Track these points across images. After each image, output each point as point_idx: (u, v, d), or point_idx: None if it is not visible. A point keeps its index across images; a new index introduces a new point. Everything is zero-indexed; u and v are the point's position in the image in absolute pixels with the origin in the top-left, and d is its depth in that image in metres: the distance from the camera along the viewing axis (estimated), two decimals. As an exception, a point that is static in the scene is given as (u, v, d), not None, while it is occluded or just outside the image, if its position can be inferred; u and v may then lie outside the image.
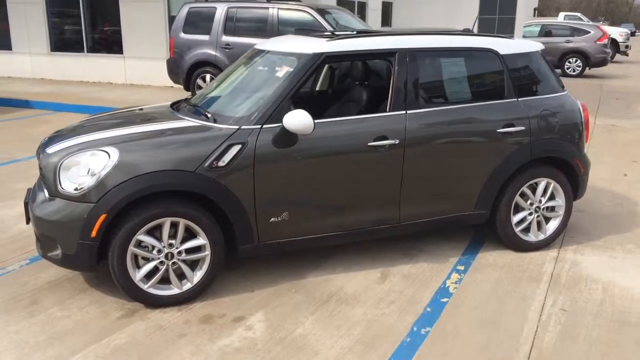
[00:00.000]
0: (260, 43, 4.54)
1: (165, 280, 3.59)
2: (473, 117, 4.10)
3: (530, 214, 4.41)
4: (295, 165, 3.68)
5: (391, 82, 3.98)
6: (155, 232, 3.50)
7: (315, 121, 3.75)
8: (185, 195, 3.52)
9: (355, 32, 4.23)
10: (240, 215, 3.61)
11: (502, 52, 4.28)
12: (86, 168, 3.41)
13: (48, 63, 15.11)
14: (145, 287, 3.51)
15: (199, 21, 10.13)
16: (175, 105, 4.33)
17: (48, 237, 3.50)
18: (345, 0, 18.51)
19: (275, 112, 3.66)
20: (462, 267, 4.19)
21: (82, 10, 14.45)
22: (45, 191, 3.56)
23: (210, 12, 10.05)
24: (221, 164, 3.50)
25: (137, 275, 3.48)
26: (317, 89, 5.30)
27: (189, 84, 10.25)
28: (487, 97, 4.22)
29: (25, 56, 15.41)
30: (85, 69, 14.61)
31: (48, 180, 3.52)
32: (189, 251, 3.58)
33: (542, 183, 4.36)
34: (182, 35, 10.19)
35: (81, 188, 3.37)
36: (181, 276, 3.61)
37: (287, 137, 3.64)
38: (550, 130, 4.29)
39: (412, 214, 4.08)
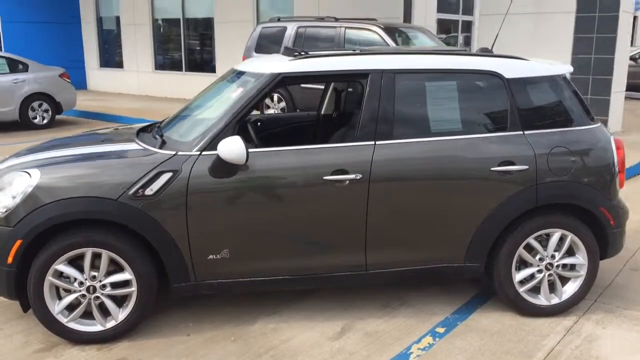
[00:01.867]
0: (241, 63, 4.19)
1: (89, 315, 3.32)
2: (461, 151, 3.45)
3: (540, 271, 3.63)
4: (235, 199, 3.27)
5: (361, 107, 3.45)
6: (79, 263, 3.25)
7: (261, 150, 3.35)
8: (112, 225, 3.23)
9: (332, 52, 3.74)
10: (172, 251, 3.26)
11: (507, 75, 3.58)
12: (11, 190, 3.24)
13: (152, 81, 15.89)
14: (64, 320, 3.26)
15: (270, 41, 10.04)
16: (148, 128, 4.09)
17: None
18: (449, 20, 17.77)
19: (218, 137, 3.28)
20: (442, 330, 3.52)
21: (183, 31, 15.05)
22: None
23: (280, 31, 9.93)
24: (148, 192, 3.18)
25: (56, 308, 3.24)
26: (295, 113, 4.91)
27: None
28: (484, 128, 3.54)
29: (134, 74, 16.34)
30: (184, 86, 15.16)
31: None
32: (114, 285, 3.29)
33: (556, 235, 3.58)
34: (255, 54, 10.14)
35: (6, 211, 3.21)
36: (106, 312, 3.32)
37: (224, 167, 3.24)
38: (565, 172, 3.51)
39: (382, 262, 3.49)
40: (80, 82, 17.15)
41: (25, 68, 11.08)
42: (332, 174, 3.32)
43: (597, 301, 3.90)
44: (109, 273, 3.26)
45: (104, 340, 3.31)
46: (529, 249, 3.60)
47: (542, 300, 3.66)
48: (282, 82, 3.45)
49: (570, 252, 3.65)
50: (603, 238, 3.66)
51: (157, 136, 3.58)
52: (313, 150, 3.40)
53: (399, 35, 9.29)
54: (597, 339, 3.42)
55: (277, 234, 3.35)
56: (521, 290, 3.62)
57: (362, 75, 3.48)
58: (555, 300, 3.67)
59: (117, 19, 16.46)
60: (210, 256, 3.32)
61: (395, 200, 3.40)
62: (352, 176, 3.32)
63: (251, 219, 3.30)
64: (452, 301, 3.87)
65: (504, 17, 5.11)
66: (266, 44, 10.10)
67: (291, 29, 9.81)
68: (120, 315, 3.31)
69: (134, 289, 3.28)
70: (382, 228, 3.42)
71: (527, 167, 3.46)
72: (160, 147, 3.38)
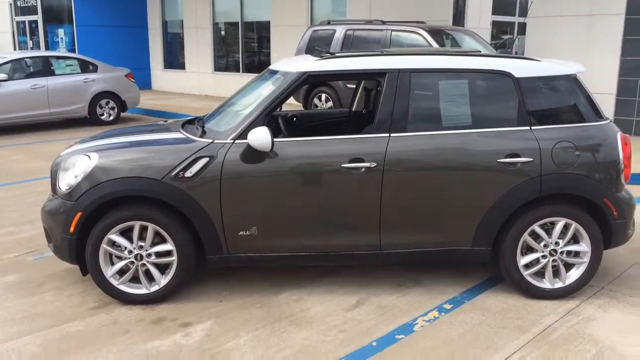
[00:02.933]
0: (275, 63, 4.65)
1: (137, 280, 3.84)
2: (469, 144, 3.77)
3: (545, 256, 3.89)
4: (263, 183, 3.71)
5: (378, 103, 3.83)
6: (130, 234, 3.76)
7: (286, 139, 3.77)
8: (157, 202, 3.73)
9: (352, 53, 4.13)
10: (208, 226, 3.73)
11: (517, 74, 3.87)
12: (74, 170, 3.80)
13: (211, 81, 16.66)
14: (116, 283, 3.79)
15: (319, 43, 10.47)
16: (193, 120, 4.59)
17: (46, 230, 3.95)
18: (505, 22, 17.77)
19: (249, 128, 3.73)
20: (449, 306, 3.84)
21: (241, 34, 15.72)
22: (53, 191, 4.02)
23: (330, 34, 10.35)
24: (188, 174, 3.67)
25: (109, 272, 3.77)
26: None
27: (307, 103, 10.64)
28: (493, 123, 3.84)
29: (194, 75, 17.17)
30: (241, 86, 15.80)
31: (53, 180, 3.98)
32: (158, 255, 3.79)
33: (560, 224, 3.83)
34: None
35: (69, 188, 3.76)
36: (151, 278, 3.83)
37: (253, 154, 3.69)
38: (569, 164, 3.76)
39: (395, 243, 3.85)
40: (145, 83, 18.16)
41: (95, 69, 11.97)
42: (349, 162, 3.71)
43: (604, 288, 4.12)
44: (154, 244, 3.77)
45: (148, 301, 3.82)
46: (535, 235, 3.87)
47: (546, 284, 3.93)
48: (307, 80, 3.87)
49: (575, 240, 3.90)
50: (607, 228, 3.89)
51: (198, 127, 4.07)
52: (333, 141, 3.80)
53: (446, 38, 9.56)
54: (594, 320, 3.67)
55: (300, 215, 3.77)
56: (526, 273, 3.90)
57: (380, 74, 3.86)
58: (559, 284, 3.93)
59: (181, 22, 17.33)
60: (241, 232, 3.78)
61: (407, 187, 3.75)
62: (367, 164, 3.70)
63: (277, 201, 3.73)
64: (464, 283, 4.18)
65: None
66: (316, 46, 10.54)
67: (340, 31, 10.22)
68: (163, 280, 3.81)
69: (174, 258, 3.77)
70: (395, 212, 3.78)
71: (531, 159, 3.74)
72: (200, 136, 3.86)
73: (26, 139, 10.43)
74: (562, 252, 3.89)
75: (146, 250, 3.77)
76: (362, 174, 3.71)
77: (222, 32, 16.50)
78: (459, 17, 15.66)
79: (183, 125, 4.31)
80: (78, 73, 11.75)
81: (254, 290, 4.05)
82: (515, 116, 3.84)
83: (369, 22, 10.24)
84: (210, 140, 3.77)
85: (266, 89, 3.96)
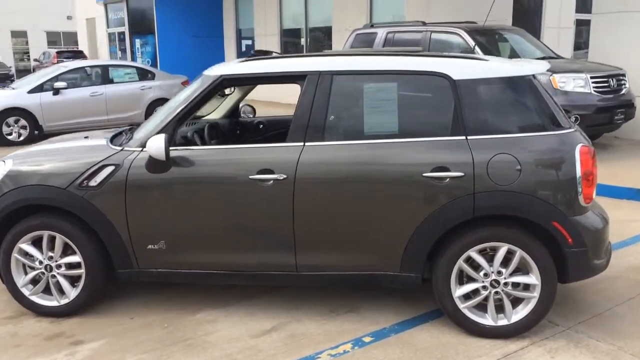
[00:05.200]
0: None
1: (50, 291, 3.73)
2: (392, 155, 3.31)
3: (485, 287, 3.35)
4: (169, 194, 3.48)
5: (295, 109, 3.47)
6: (41, 244, 3.66)
7: (192, 148, 3.54)
8: (65, 212, 3.60)
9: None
10: (115, 239, 3.56)
11: (456, 77, 3.35)
12: None
13: (278, 87, 16.65)
14: (28, 293, 3.71)
15: (363, 45, 10.11)
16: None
17: None
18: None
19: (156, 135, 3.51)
20: (368, 339, 3.39)
21: (305, 39, 15.69)
22: None
23: (372, 37, 9.96)
24: (92, 183, 3.51)
25: (21, 282, 3.69)
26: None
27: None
28: (423, 132, 3.35)
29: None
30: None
31: None
32: (69, 266, 3.66)
33: (502, 250, 3.28)
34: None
35: None
36: (62, 290, 3.71)
37: (156, 163, 3.46)
38: (508, 181, 3.20)
39: (313, 265, 3.47)
40: (218, 90, 18.55)
41: (153, 76, 12.34)
42: (257, 173, 3.38)
43: (571, 328, 3.48)
44: (63, 255, 3.64)
45: (58, 314, 3.70)
46: (474, 263, 3.34)
47: (489, 319, 3.37)
48: (223, 84, 3.59)
49: (524, 271, 3.32)
50: (561, 258, 3.28)
51: (127, 134, 3.91)
52: (244, 150, 3.50)
53: (491, 37, 8.87)
54: (533, 369, 3.08)
55: (209, 230, 3.49)
56: (462, 306, 3.37)
57: (300, 77, 3.50)
58: (503, 321, 3.36)
59: (252, 30, 17.56)
60: (150, 246, 3.56)
61: (322, 202, 3.36)
62: (276, 176, 3.35)
63: (183, 214, 3.48)
64: (405, 312, 3.70)
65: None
66: (357, 46, 10.19)
67: (381, 34, 9.80)
68: (73, 293, 3.68)
69: (83, 270, 3.62)
70: (309, 230, 3.40)
71: (462, 174, 3.22)
72: (120, 144, 3.69)
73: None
74: (506, 284, 3.32)
75: (56, 261, 3.65)
76: (271, 187, 3.37)
77: (289, 38, 16.52)
78: (534, 16, 14.62)
79: (121, 133, 4.17)
80: (136, 81, 12.15)
81: (173, 308, 3.82)
82: (450, 124, 3.33)
83: (410, 24, 9.73)
84: (120, 148, 3.59)
85: (183, 94, 3.73)
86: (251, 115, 5.12)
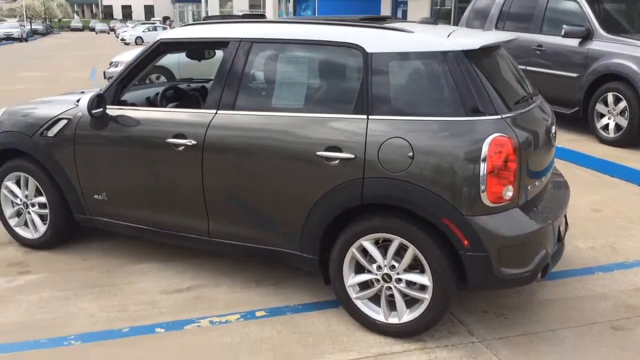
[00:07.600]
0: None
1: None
2: (293, 130, 3.15)
3: (377, 281, 3.10)
4: (105, 150, 3.72)
5: (214, 76, 3.45)
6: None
7: (123, 107, 3.71)
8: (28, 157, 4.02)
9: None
10: (68, 185, 3.91)
11: (370, 49, 3.05)
12: None
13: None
14: (13, 224, 4.25)
15: (479, 15, 9.40)
16: None
17: None
18: None
19: (105, 93, 3.75)
20: (261, 314, 3.35)
21: (453, 5, 14.89)
22: None
23: (489, 5, 9.18)
24: (50, 134, 3.88)
25: (8, 213, 4.24)
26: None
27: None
28: (327, 108, 3.13)
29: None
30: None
31: None
32: (40, 206, 4.11)
33: (394, 243, 2.99)
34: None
35: None
36: (34, 224, 4.18)
37: (95, 120, 3.70)
38: (399, 168, 2.88)
39: (223, 233, 3.48)
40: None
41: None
42: (172, 137, 3.46)
43: (485, 342, 3.08)
44: (37, 195, 4.09)
45: (34, 246, 4.21)
46: (366, 252, 3.10)
47: (380, 314, 3.12)
48: (160, 47, 3.68)
49: (420, 269, 3.00)
50: (457, 260, 2.90)
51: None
52: (163, 114, 3.59)
53: (616, 4, 7.71)
54: (393, 374, 2.82)
55: (137, 187, 3.67)
56: (354, 296, 3.15)
57: (224, 43, 3.46)
58: (394, 319, 3.09)
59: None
60: (95, 196, 3.85)
61: (228, 172, 3.34)
62: (187, 141, 3.40)
63: (117, 169, 3.70)
64: (322, 295, 3.54)
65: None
66: (476, 18, 9.49)
67: (498, 2, 9.00)
68: (42, 229, 4.13)
69: (47, 211, 4.05)
70: (218, 198, 3.41)
71: (352, 156, 2.97)
72: (79, 100, 4.00)
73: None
74: (399, 280, 3.04)
75: (30, 200, 4.12)
76: (183, 152, 3.43)
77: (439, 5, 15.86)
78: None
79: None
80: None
81: (123, 256, 4.10)
82: (354, 101, 3.07)
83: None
84: (76, 105, 3.90)
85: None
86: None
